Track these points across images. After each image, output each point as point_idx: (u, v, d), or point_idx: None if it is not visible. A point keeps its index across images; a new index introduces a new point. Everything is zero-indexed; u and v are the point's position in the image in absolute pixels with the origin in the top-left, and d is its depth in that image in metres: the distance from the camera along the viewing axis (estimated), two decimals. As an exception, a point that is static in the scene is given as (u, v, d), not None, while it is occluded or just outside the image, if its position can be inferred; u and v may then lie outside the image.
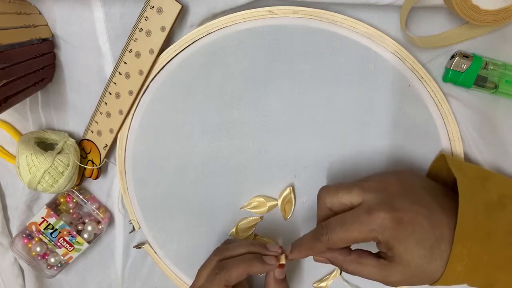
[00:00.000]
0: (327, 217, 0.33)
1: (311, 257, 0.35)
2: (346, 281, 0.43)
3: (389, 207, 0.30)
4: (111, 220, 0.48)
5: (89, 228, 0.47)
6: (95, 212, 0.47)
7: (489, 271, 0.29)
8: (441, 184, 0.35)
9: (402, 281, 0.30)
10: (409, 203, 0.30)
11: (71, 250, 0.47)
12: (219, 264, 0.36)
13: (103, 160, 0.44)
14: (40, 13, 0.39)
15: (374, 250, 0.33)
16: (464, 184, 0.31)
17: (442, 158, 0.36)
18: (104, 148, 0.43)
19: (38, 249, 0.47)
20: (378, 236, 0.30)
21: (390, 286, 0.32)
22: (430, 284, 0.31)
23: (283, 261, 0.36)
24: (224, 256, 0.37)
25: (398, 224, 0.29)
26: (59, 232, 0.46)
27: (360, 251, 0.33)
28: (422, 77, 0.36)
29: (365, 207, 0.31)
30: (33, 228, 0.47)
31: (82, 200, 0.46)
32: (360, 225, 0.30)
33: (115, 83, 0.40)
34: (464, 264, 0.28)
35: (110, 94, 0.41)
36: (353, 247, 0.33)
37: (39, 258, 0.48)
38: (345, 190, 0.32)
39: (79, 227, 0.47)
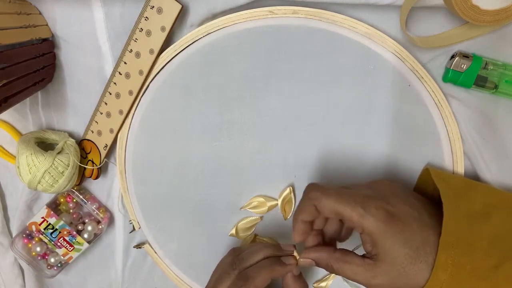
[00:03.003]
0: (310, 213, 0.32)
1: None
2: (347, 281, 0.43)
3: (384, 201, 0.30)
4: (111, 220, 0.48)
5: (89, 228, 0.47)
6: (95, 212, 0.47)
7: (473, 281, 0.29)
8: (428, 199, 0.35)
9: (385, 284, 0.30)
10: (402, 203, 0.31)
11: (71, 250, 0.47)
12: (240, 276, 0.35)
13: (103, 160, 0.44)
14: (40, 13, 0.39)
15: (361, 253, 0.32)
16: (447, 195, 0.31)
17: (427, 171, 0.36)
18: (104, 148, 0.43)
19: (38, 249, 0.47)
20: (366, 225, 0.29)
21: None
22: None
23: (298, 257, 0.36)
24: (242, 267, 0.35)
25: (390, 218, 0.29)
26: (59, 232, 0.46)
27: (345, 250, 0.33)
28: (422, 77, 0.36)
29: (363, 192, 0.31)
30: (33, 228, 0.47)
31: (82, 200, 0.46)
32: (355, 203, 0.30)
33: (115, 83, 0.40)
34: (449, 273, 0.28)
35: (110, 94, 0.41)
36: (339, 246, 0.33)
37: (39, 258, 0.48)
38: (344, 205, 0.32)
39: (79, 227, 0.47)
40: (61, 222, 0.46)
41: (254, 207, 0.42)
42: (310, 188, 0.32)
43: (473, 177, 0.38)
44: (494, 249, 0.29)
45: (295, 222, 0.33)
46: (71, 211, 0.47)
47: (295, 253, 0.36)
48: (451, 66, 0.35)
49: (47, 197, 0.48)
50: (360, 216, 0.29)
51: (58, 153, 0.41)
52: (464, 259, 0.29)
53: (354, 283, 0.43)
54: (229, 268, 0.36)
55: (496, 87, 0.35)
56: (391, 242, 0.29)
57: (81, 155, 0.44)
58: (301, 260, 0.34)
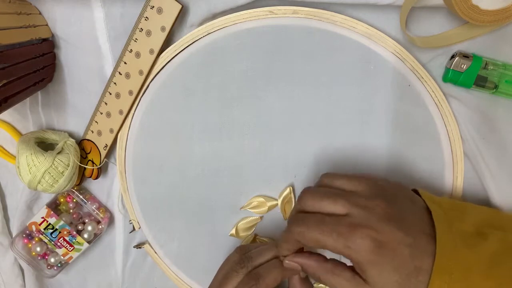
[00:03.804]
0: (295, 245, 0.32)
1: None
2: None
3: (373, 229, 0.28)
4: (111, 220, 0.48)
5: (89, 228, 0.47)
6: (95, 212, 0.47)
7: None
8: None
9: None
10: (396, 229, 0.29)
11: (71, 250, 0.47)
12: (251, 275, 0.35)
13: (103, 160, 0.44)
14: (40, 13, 0.39)
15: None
16: (439, 216, 0.30)
17: (416, 193, 0.34)
18: (104, 148, 0.43)
19: (38, 249, 0.47)
20: (352, 255, 0.28)
21: None
22: None
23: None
24: (251, 265, 0.35)
25: (377, 247, 0.28)
26: (59, 232, 0.46)
27: (337, 262, 0.31)
28: (422, 77, 0.36)
29: (347, 220, 0.29)
30: (33, 228, 0.47)
31: (82, 200, 0.46)
32: (338, 235, 0.29)
33: (115, 83, 0.40)
34: None
35: (110, 94, 0.41)
36: (328, 256, 0.32)
37: (39, 258, 0.48)
38: (330, 200, 0.30)
39: (79, 227, 0.47)
40: (61, 222, 0.46)
41: (254, 207, 0.42)
42: (293, 223, 0.31)
43: (473, 177, 0.38)
44: (492, 271, 0.28)
45: (281, 248, 0.33)
46: (71, 211, 0.47)
47: None
48: (451, 66, 0.35)
49: (47, 197, 0.48)
50: (345, 247, 0.28)
51: (58, 153, 0.41)
52: (461, 284, 0.28)
53: None
54: (237, 266, 0.35)
55: (496, 87, 0.35)
56: (379, 270, 0.28)
57: (81, 155, 0.44)
58: (286, 262, 0.33)
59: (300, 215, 0.31)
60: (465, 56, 0.35)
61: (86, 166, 0.45)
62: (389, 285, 0.28)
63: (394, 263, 0.28)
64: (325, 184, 0.33)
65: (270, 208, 0.42)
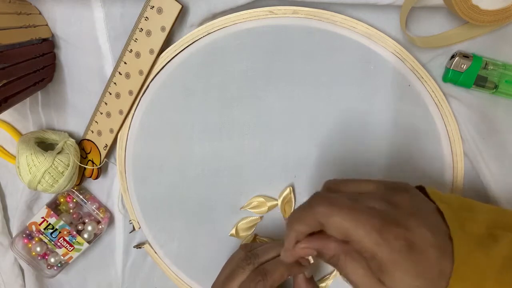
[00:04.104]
0: (311, 227, 0.28)
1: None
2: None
3: (405, 226, 0.26)
4: (111, 220, 0.48)
5: (89, 228, 0.47)
6: (95, 212, 0.47)
7: None
8: None
9: None
10: (425, 228, 0.26)
11: (71, 250, 0.47)
12: (258, 271, 0.35)
13: (103, 160, 0.44)
14: (40, 13, 0.39)
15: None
16: (451, 217, 0.28)
17: (422, 190, 0.32)
18: (104, 148, 0.43)
19: (38, 249, 0.47)
20: (379, 253, 0.25)
21: None
22: None
23: (311, 260, 0.36)
24: (257, 262, 0.35)
25: (408, 249, 0.25)
26: (59, 232, 0.46)
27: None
28: (422, 77, 0.36)
29: (381, 214, 0.26)
30: (33, 228, 0.47)
31: (82, 200, 0.46)
32: (371, 228, 0.25)
33: (115, 83, 0.40)
34: None
35: (110, 94, 0.41)
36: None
37: (39, 258, 0.48)
38: (350, 218, 0.26)
39: (79, 227, 0.47)
40: (61, 222, 0.46)
41: (254, 207, 0.42)
42: (317, 201, 0.28)
43: (473, 177, 0.38)
44: (504, 277, 0.27)
45: (290, 229, 0.29)
46: (71, 211, 0.47)
47: (309, 257, 0.36)
48: (451, 66, 0.35)
49: (47, 197, 0.48)
50: (376, 244, 0.25)
51: (58, 153, 0.41)
52: None
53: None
54: (243, 262, 0.35)
55: (496, 87, 0.35)
56: (401, 274, 0.26)
57: (81, 155, 0.44)
58: (302, 247, 0.29)
59: (329, 194, 0.28)
60: (465, 56, 0.35)
61: (86, 166, 0.44)
62: None
63: (419, 267, 0.26)
64: (333, 190, 0.31)
65: (270, 208, 0.42)
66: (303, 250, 0.29)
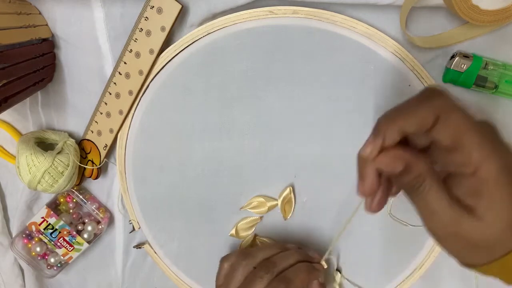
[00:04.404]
0: (421, 124, 0.23)
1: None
2: (347, 279, 0.43)
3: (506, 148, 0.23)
4: (111, 220, 0.48)
5: (89, 228, 0.47)
6: (95, 212, 0.47)
7: None
8: None
9: (465, 239, 0.23)
10: None
11: (71, 250, 0.47)
12: (280, 279, 0.34)
13: (103, 160, 0.44)
14: (40, 13, 0.39)
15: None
16: None
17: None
18: (104, 148, 0.43)
19: (38, 249, 0.47)
20: (486, 169, 0.22)
21: (444, 241, 0.24)
22: (486, 263, 0.24)
23: (324, 264, 0.38)
24: (276, 270, 0.35)
25: None
26: (59, 232, 0.46)
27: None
28: (422, 77, 0.36)
29: (490, 137, 0.23)
30: (33, 228, 0.47)
31: (82, 200, 0.46)
32: (485, 139, 0.22)
33: (115, 83, 0.40)
34: None
35: (110, 94, 0.41)
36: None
37: (39, 258, 0.48)
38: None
39: (79, 227, 0.47)
40: (61, 222, 0.46)
41: (254, 207, 0.42)
42: (436, 92, 0.24)
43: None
44: None
45: (389, 124, 0.24)
46: (71, 211, 0.47)
47: (323, 262, 0.38)
48: (451, 66, 0.35)
49: (47, 197, 0.48)
50: (486, 156, 0.22)
51: (58, 153, 0.41)
52: None
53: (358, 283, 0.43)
54: (261, 272, 0.35)
55: (496, 87, 0.35)
56: (501, 199, 0.22)
57: (81, 155, 0.44)
58: (392, 154, 0.24)
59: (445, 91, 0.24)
60: (465, 56, 0.35)
61: (86, 166, 0.44)
62: (503, 223, 0.22)
63: None
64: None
65: (270, 208, 0.42)
66: (390, 159, 0.24)
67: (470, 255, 0.24)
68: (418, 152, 0.24)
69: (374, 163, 0.25)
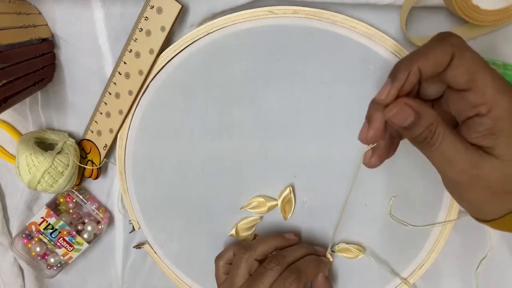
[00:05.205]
0: (437, 63, 0.24)
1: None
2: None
3: None
4: (111, 220, 0.48)
5: (89, 228, 0.47)
6: (95, 212, 0.47)
7: None
8: None
9: (493, 177, 0.23)
10: None
11: (71, 250, 0.47)
12: (292, 269, 0.35)
13: (103, 160, 0.44)
14: (40, 13, 0.39)
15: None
16: None
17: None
18: (104, 148, 0.43)
19: (38, 249, 0.47)
20: (501, 106, 0.22)
21: (462, 188, 0.24)
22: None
23: (330, 258, 0.40)
24: (286, 262, 0.36)
25: None
26: (59, 232, 0.46)
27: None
28: (422, 77, 0.36)
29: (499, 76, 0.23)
30: (33, 228, 0.47)
31: (82, 200, 0.46)
32: (498, 77, 0.22)
33: (115, 83, 0.40)
34: None
35: (110, 94, 0.41)
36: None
37: (39, 258, 0.48)
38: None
39: (79, 227, 0.47)
40: (61, 222, 0.46)
41: (254, 207, 0.42)
42: (450, 35, 0.24)
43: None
44: None
45: (408, 63, 0.24)
46: (70, 211, 0.47)
47: (328, 255, 0.39)
48: (451, 66, 0.35)
49: (47, 197, 0.48)
50: (500, 93, 0.22)
51: (58, 153, 0.41)
52: None
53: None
54: (271, 264, 0.35)
55: (496, 87, 0.35)
56: None
57: (80, 155, 0.44)
58: (404, 101, 0.24)
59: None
60: (465, 56, 0.35)
61: (85, 166, 0.44)
62: None
63: None
64: None
65: (270, 208, 0.42)
66: (401, 108, 0.24)
67: (491, 204, 0.24)
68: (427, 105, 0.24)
69: (385, 113, 0.25)
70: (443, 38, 0.24)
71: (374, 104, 0.26)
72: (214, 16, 0.37)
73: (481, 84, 0.23)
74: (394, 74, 0.25)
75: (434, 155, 0.24)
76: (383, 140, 0.28)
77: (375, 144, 0.29)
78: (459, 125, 0.25)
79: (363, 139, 0.27)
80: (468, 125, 0.24)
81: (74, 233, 0.46)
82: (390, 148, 0.29)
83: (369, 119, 0.27)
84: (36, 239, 0.47)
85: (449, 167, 0.24)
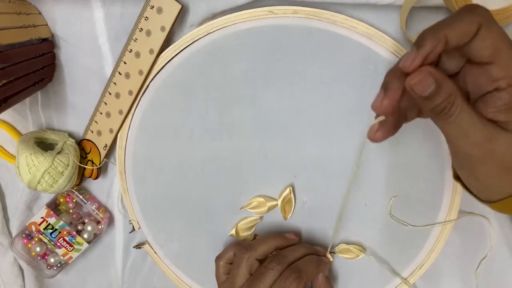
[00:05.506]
0: (464, 33, 0.23)
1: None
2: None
3: None
4: (111, 220, 0.48)
5: (89, 228, 0.47)
6: (95, 212, 0.47)
7: None
8: None
9: (508, 152, 0.23)
10: None
11: (71, 250, 0.47)
12: (292, 269, 0.35)
13: (103, 160, 0.44)
14: (40, 13, 0.39)
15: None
16: None
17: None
18: (104, 148, 0.43)
19: (38, 249, 0.47)
20: None
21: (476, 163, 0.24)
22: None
23: (331, 258, 0.40)
24: (287, 262, 0.36)
25: None
26: (59, 232, 0.46)
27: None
28: (422, 77, 0.36)
29: None
30: (33, 228, 0.47)
31: (82, 200, 0.46)
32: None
33: (115, 83, 0.40)
34: None
35: (110, 94, 0.41)
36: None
37: (39, 258, 0.48)
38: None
39: (79, 227, 0.47)
40: (61, 222, 0.46)
41: (254, 207, 0.42)
42: (478, 7, 0.24)
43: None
44: None
45: (434, 33, 0.23)
46: (70, 211, 0.47)
47: (328, 255, 0.39)
48: (451, 66, 0.35)
49: (47, 197, 0.48)
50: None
51: (58, 153, 0.41)
52: None
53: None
54: (272, 263, 0.36)
55: (496, 87, 0.35)
56: None
57: (80, 155, 0.44)
58: (428, 69, 0.24)
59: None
60: (465, 56, 0.35)
61: (85, 166, 0.44)
62: None
63: None
64: None
65: (270, 208, 0.42)
66: (423, 76, 0.24)
67: (500, 182, 0.24)
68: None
69: (407, 81, 0.24)
70: (470, 10, 0.24)
71: (394, 71, 0.26)
72: (214, 16, 0.37)
73: (505, 57, 0.23)
74: (420, 42, 0.24)
75: (450, 127, 0.24)
76: (392, 116, 0.28)
77: (383, 118, 0.28)
78: (475, 101, 0.25)
79: (377, 107, 0.27)
80: (485, 100, 0.24)
81: (74, 233, 0.46)
82: (395, 126, 0.29)
83: (385, 87, 0.27)
84: (36, 239, 0.47)
85: (464, 139, 0.24)
